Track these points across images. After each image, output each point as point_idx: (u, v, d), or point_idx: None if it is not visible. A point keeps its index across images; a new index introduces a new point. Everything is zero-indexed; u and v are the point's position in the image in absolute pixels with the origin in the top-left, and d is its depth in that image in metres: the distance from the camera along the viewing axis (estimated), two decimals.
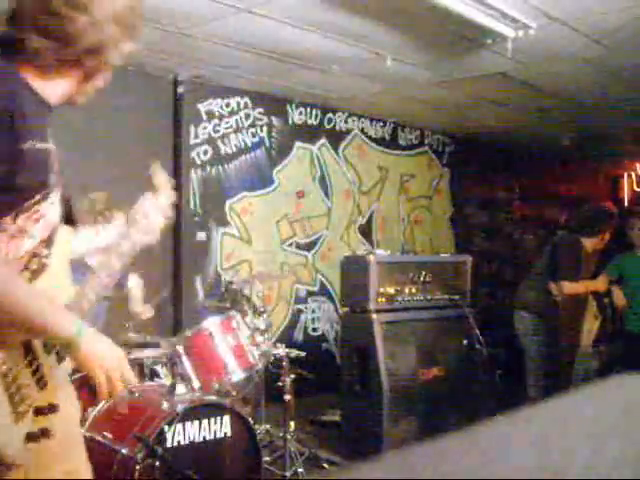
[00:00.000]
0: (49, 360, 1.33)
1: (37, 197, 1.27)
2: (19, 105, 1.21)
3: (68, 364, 1.39)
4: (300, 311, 5.83)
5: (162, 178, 1.58)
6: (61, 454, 1.37)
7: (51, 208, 1.33)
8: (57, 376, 1.36)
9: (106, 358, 1.29)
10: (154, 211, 1.53)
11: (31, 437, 1.25)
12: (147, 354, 3.22)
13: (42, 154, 1.27)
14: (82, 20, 1.24)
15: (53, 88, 1.33)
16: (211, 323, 3.20)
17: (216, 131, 5.24)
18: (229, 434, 2.92)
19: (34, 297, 1.22)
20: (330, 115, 6.10)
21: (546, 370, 4.15)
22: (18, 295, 1.18)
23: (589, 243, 4.05)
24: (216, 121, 5.23)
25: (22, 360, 1.26)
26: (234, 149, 5.36)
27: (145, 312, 3.62)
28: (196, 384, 3.08)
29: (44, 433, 1.28)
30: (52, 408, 1.31)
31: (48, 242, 1.35)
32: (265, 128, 5.59)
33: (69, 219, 1.56)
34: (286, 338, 5.41)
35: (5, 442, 1.20)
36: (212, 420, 2.87)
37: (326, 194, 6.05)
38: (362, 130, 6.40)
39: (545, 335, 4.15)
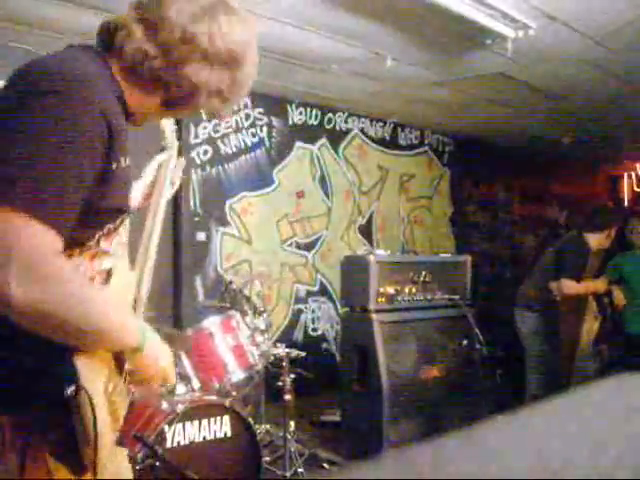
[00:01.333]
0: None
1: (119, 217, 1.20)
2: (116, 123, 1.09)
3: None
4: (300, 311, 5.83)
5: (171, 132, 1.65)
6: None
7: (124, 225, 1.28)
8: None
9: (160, 359, 1.26)
10: (172, 169, 1.64)
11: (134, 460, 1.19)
12: None
13: (128, 173, 1.18)
14: (203, 63, 1.18)
15: (135, 105, 1.23)
16: (211, 323, 3.20)
17: (216, 131, 5.24)
18: (229, 434, 2.92)
19: (109, 313, 1.10)
20: (330, 115, 6.10)
21: (547, 369, 4.15)
22: (94, 313, 1.06)
23: (595, 241, 4.06)
24: (216, 121, 5.23)
25: (119, 375, 1.21)
26: (234, 149, 5.36)
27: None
28: (196, 384, 3.08)
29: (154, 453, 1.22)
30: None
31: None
32: (265, 128, 5.59)
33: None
34: (286, 338, 5.41)
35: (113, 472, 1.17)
36: (212, 420, 2.87)
37: (326, 194, 6.05)
38: (362, 130, 6.40)
39: (546, 334, 4.16)
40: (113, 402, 1.17)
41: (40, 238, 0.96)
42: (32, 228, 0.95)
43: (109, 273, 1.25)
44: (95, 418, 1.06)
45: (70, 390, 1.04)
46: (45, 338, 1.00)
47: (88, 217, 1.09)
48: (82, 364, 1.07)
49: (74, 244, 1.11)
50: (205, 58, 1.16)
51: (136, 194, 1.60)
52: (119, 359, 1.22)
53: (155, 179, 1.63)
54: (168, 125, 1.66)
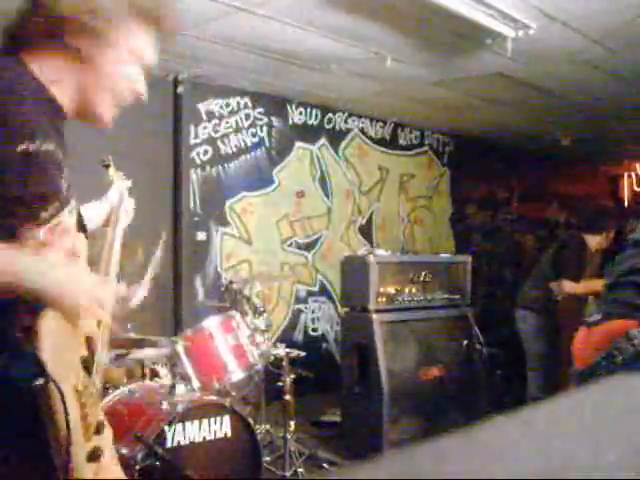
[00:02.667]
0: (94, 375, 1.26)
1: (52, 207, 1.15)
2: (16, 104, 1.08)
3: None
4: (300, 311, 5.83)
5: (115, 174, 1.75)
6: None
7: (70, 218, 1.24)
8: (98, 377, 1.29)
9: (82, 299, 1.18)
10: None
11: (90, 457, 1.17)
12: (147, 354, 3.22)
13: (48, 158, 1.13)
14: None
15: (60, 88, 1.20)
16: (211, 323, 3.20)
17: (216, 131, 5.24)
18: (229, 434, 2.92)
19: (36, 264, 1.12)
20: (330, 115, 6.10)
21: (547, 369, 4.15)
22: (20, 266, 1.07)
23: (594, 242, 4.06)
24: (216, 121, 5.23)
25: (86, 375, 1.19)
26: (234, 149, 5.36)
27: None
28: (196, 384, 3.08)
29: (97, 452, 1.19)
30: (102, 425, 1.25)
31: (74, 253, 1.27)
32: (265, 128, 5.59)
33: (81, 227, 1.44)
34: (286, 338, 5.40)
35: (80, 466, 1.13)
36: (212, 420, 2.87)
37: (326, 194, 6.05)
38: (362, 130, 6.40)
39: (547, 334, 4.16)
40: (84, 404, 1.15)
41: None
42: None
43: None
44: (66, 407, 1.05)
45: (38, 382, 1.03)
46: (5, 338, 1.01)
47: (9, 206, 1.08)
48: (49, 361, 1.05)
49: (6, 234, 1.09)
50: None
51: (96, 215, 1.64)
52: (87, 361, 1.20)
53: (115, 206, 1.67)
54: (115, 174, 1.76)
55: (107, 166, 1.76)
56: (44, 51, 1.17)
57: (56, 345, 1.08)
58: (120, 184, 1.74)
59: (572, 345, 1.92)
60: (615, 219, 4.15)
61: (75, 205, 1.28)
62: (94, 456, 1.16)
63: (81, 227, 1.37)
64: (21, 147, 1.06)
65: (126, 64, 1.26)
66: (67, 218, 1.21)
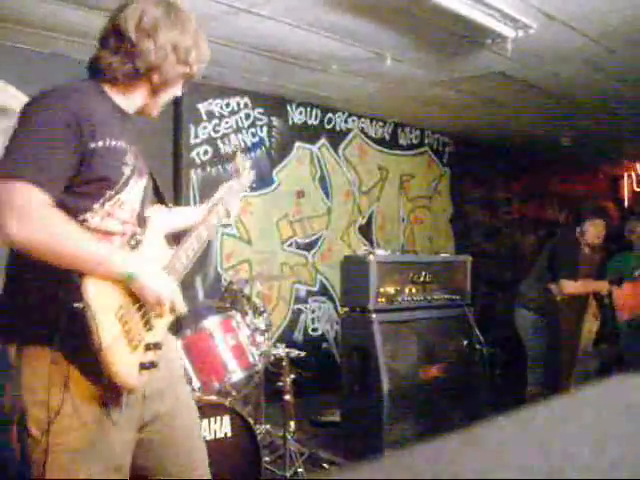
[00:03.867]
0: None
1: (116, 187, 1.55)
2: (91, 111, 1.51)
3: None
4: (300, 311, 5.83)
5: (242, 162, 2.14)
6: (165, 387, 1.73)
7: (132, 195, 1.62)
8: (161, 325, 1.67)
9: (161, 292, 1.56)
10: (234, 195, 2.09)
11: (143, 367, 1.54)
12: None
13: (114, 151, 1.55)
14: (146, 44, 1.60)
15: (130, 101, 1.68)
16: (211, 323, 3.20)
17: (216, 131, 5.24)
18: (229, 434, 2.92)
19: (93, 243, 1.48)
20: (330, 115, 6.10)
21: (547, 369, 4.15)
22: (76, 243, 1.43)
23: (594, 230, 4.07)
24: (216, 121, 5.23)
25: (133, 306, 1.56)
26: (234, 149, 5.36)
27: None
28: (196, 384, 3.07)
29: (153, 365, 1.57)
30: (157, 345, 1.61)
31: (140, 222, 1.68)
32: (265, 128, 5.59)
33: (159, 197, 1.91)
34: (286, 338, 5.40)
35: (127, 371, 1.48)
36: (212, 420, 2.87)
37: (326, 194, 6.05)
38: (362, 130, 6.40)
39: (546, 334, 4.16)
40: (126, 322, 1.51)
41: (26, 194, 1.38)
42: (20, 188, 1.37)
43: (136, 240, 1.64)
44: (97, 328, 1.40)
45: (77, 305, 1.40)
46: (53, 272, 1.41)
47: (83, 186, 1.50)
48: (91, 288, 1.43)
49: (81, 208, 1.51)
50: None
51: (195, 214, 2.03)
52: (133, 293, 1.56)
53: (215, 204, 2.04)
54: (242, 161, 2.19)
55: (234, 153, 2.25)
56: (120, 84, 1.65)
57: (98, 283, 1.46)
58: (245, 168, 2.16)
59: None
60: (594, 209, 4.17)
61: (139, 183, 1.67)
62: (145, 367, 1.54)
63: (159, 198, 1.86)
64: (97, 144, 1.49)
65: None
66: (128, 195, 1.60)
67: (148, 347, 1.58)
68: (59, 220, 1.42)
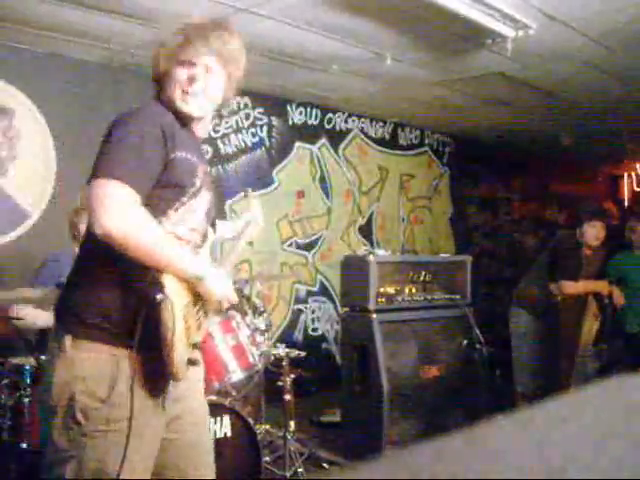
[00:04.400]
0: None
1: (189, 193, 1.70)
2: (171, 127, 1.68)
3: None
4: (300, 311, 5.83)
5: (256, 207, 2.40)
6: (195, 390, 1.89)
7: (201, 205, 1.77)
8: (205, 326, 1.84)
9: (221, 293, 1.71)
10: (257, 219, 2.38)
11: (190, 362, 1.68)
12: None
13: (189, 162, 1.70)
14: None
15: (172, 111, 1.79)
16: (211, 323, 3.20)
17: (216, 131, 5.24)
18: (229, 434, 2.92)
19: (172, 243, 1.63)
20: (330, 115, 6.10)
21: (535, 371, 4.16)
22: (160, 240, 1.57)
23: (593, 231, 4.07)
24: (216, 121, 5.23)
25: (193, 306, 1.71)
26: (234, 149, 5.36)
27: None
28: None
29: (195, 362, 1.71)
30: (197, 345, 1.76)
31: (203, 234, 1.83)
32: (265, 128, 5.59)
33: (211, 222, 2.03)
34: (286, 338, 5.41)
35: (183, 366, 1.63)
36: (212, 420, 2.87)
37: (326, 194, 6.05)
38: (362, 130, 6.40)
39: (539, 335, 4.16)
40: (187, 321, 1.65)
41: (121, 191, 1.50)
42: (116, 186, 1.50)
43: (197, 250, 1.79)
44: (175, 321, 1.55)
45: (159, 296, 1.53)
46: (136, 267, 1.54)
47: (161, 190, 1.64)
48: (170, 284, 1.57)
49: (158, 212, 1.64)
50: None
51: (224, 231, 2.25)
52: (196, 294, 1.70)
53: (246, 223, 2.30)
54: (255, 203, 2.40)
55: (246, 195, 2.47)
56: (162, 97, 1.81)
57: (171, 281, 1.60)
58: (256, 208, 2.39)
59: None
60: (592, 210, 4.18)
61: (206, 196, 1.80)
62: (192, 362, 1.69)
63: (211, 222, 1.97)
64: (176, 154, 1.65)
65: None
66: (198, 205, 1.75)
67: (195, 345, 1.73)
68: (148, 218, 1.56)
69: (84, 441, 1.56)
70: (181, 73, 1.76)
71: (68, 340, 1.59)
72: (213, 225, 2.02)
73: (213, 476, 1.90)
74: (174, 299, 1.58)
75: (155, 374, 1.62)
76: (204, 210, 1.81)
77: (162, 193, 1.65)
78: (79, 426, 1.56)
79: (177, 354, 1.58)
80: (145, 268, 1.56)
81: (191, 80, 1.75)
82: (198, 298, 1.72)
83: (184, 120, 1.79)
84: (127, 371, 1.58)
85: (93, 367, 1.57)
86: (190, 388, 1.84)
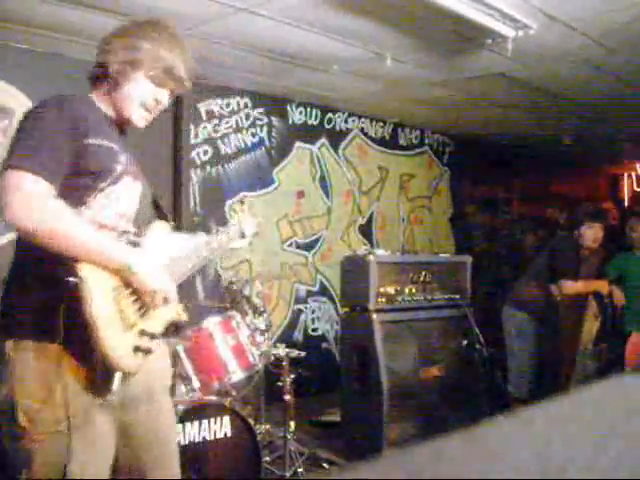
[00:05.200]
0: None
1: (108, 179, 1.65)
2: (84, 115, 1.66)
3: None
4: (300, 311, 5.83)
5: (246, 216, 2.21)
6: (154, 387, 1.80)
7: (126, 193, 1.71)
8: (158, 317, 1.73)
9: (153, 285, 1.64)
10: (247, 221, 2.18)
11: (137, 349, 1.59)
12: None
13: (105, 148, 1.66)
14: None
15: (112, 112, 1.82)
16: (211, 323, 3.20)
17: (216, 131, 5.23)
18: (229, 434, 2.92)
19: (90, 232, 1.57)
20: (330, 115, 6.10)
21: (528, 371, 4.16)
22: (75, 229, 1.53)
23: (591, 234, 4.07)
24: (216, 121, 5.23)
25: (126, 290, 1.63)
26: (234, 149, 5.36)
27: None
28: (196, 384, 3.08)
29: (148, 350, 1.62)
30: (152, 336, 1.66)
31: (137, 225, 1.75)
32: (265, 128, 5.59)
33: (161, 215, 1.96)
34: (286, 338, 5.41)
35: (121, 351, 1.54)
36: (212, 420, 2.87)
37: (326, 194, 6.05)
38: (362, 130, 6.40)
39: (534, 336, 4.16)
40: (119, 303, 1.58)
41: (30, 182, 1.49)
42: (26, 177, 1.49)
43: (129, 240, 1.71)
44: (92, 301, 1.48)
45: (72, 279, 1.48)
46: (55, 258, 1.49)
47: (78, 178, 1.61)
48: (86, 267, 1.52)
49: (76, 200, 1.59)
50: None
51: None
52: (128, 281, 1.63)
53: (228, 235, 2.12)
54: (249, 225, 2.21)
55: (242, 203, 2.37)
56: (101, 88, 1.82)
57: (92, 268, 1.54)
58: (248, 221, 2.21)
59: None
60: (590, 212, 4.18)
61: (134, 186, 1.76)
62: (140, 349, 1.60)
63: (161, 216, 1.93)
64: (87, 141, 1.62)
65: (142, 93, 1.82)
66: (122, 191, 1.69)
67: (143, 332, 1.63)
68: (62, 208, 1.52)
69: (32, 447, 1.53)
70: (149, 92, 1.79)
71: (9, 343, 1.56)
72: (164, 218, 1.95)
73: None
74: (94, 282, 1.51)
75: (92, 367, 1.54)
76: (132, 197, 1.75)
77: (79, 181, 1.61)
78: (24, 431, 1.53)
79: (106, 338, 1.49)
80: (66, 259, 1.51)
81: (158, 103, 1.81)
82: (130, 284, 1.64)
83: (120, 123, 1.82)
84: (63, 368, 1.52)
85: (31, 368, 1.53)
86: (150, 393, 1.77)
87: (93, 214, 1.62)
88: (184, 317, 1.85)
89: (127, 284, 1.63)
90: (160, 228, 1.87)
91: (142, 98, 1.79)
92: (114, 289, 1.59)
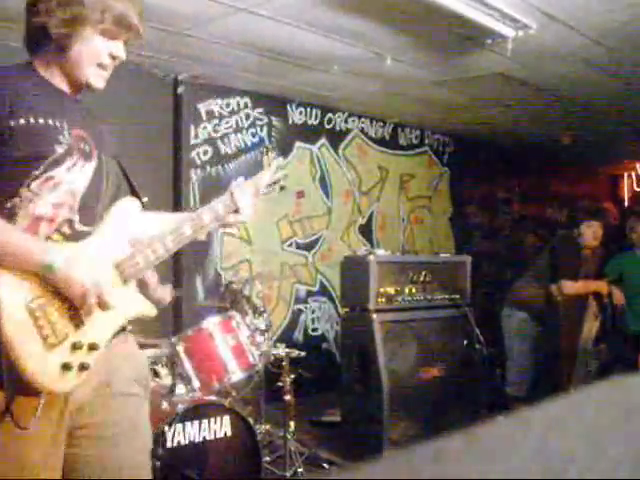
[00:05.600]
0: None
1: (44, 164, 1.44)
2: (12, 90, 1.46)
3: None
4: (300, 311, 5.83)
5: (270, 158, 2.01)
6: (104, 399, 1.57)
7: (70, 176, 1.49)
8: (98, 324, 1.49)
9: (84, 283, 1.41)
10: (246, 192, 1.82)
11: (66, 366, 1.39)
12: (147, 354, 3.22)
13: (41, 127, 1.46)
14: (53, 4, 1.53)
15: (61, 78, 1.59)
16: (211, 323, 3.20)
17: (216, 131, 5.23)
18: (229, 434, 2.92)
19: (6, 230, 1.38)
20: (330, 115, 6.10)
21: (527, 370, 4.16)
22: None
23: (590, 232, 4.07)
24: (216, 121, 5.23)
25: (53, 299, 1.42)
26: (234, 149, 5.36)
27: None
28: (196, 384, 3.08)
29: (83, 366, 1.42)
30: (92, 346, 1.46)
31: (86, 212, 1.53)
32: (265, 128, 5.59)
33: (133, 192, 1.73)
34: (286, 338, 5.40)
35: (41, 369, 1.35)
36: (212, 420, 2.87)
37: (326, 194, 6.05)
38: (362, 130, 6.40)
39: (533, 337, 4.16)
40: (38, 317, 1.38)
41: None
42: None
43: (74, 229, 1.50)
44: (5, 315, 1.31)
45: None
46: None
47: (8, 167, 1.42)
48: (1, 280, 1.34)
49: (8, 192, 1.42)
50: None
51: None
52: (55, 288, 1.42)
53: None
54: (270, 157, 2.04)
55: (267, 150, 2.09)
56: (42, 54, 1.61)
57: (5, 275, 1.36)
58: (270, 164, 1.99)
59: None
60: (610, 212, 4.19)
61: (84, 167, 1.54)
62: (68, 366, 1.39)
63: (133, 193, 1.70)
64: (13, 122, 1.42)
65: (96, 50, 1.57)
66: (65, 175, 1.48)
67: (75, 346, 1.42)
68: None
69: None
70: (102, 48, 1.55)
71: None
72: (136, 195, 1.71)
73: None
74: (8, 295, 1.33)
75: (12, 391, 1.35)
76: (82, 184, 1.53)
77: (10, 170, 1.42)
78: None
79: (24, 358, 1.32)
80: None
81: (114, 57, 1.58)
82: (57, 292, 1.43)
83: (74, 89, 1.60)
84: None
85: None
86: (100, 397, 1.55)
87: (27, 205, 1.42)
88: (153, 312, 1.62)
89: (56, 291, 1.41)
90: (125, 208, 1.63)
91: (96, 57, 1.55)
92: (33, 300, 1.38)
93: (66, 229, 1.48)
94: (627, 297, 4.29)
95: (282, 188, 2.02)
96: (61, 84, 1.59)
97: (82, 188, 1.52)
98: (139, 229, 1.65)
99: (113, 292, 1.47)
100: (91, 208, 1.55)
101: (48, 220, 1.45)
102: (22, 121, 1.42)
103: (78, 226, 1.51)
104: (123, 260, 1.56)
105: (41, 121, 1.45)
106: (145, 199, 1.72)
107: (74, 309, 1.44)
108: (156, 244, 1.61)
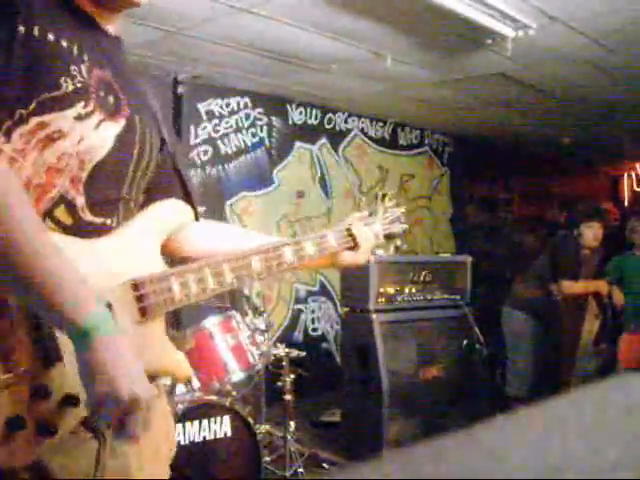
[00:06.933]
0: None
1: (43, 97, 0.93)
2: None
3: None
4: (300, 311, 5.83)
5: (386, 207, 1.63)
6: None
7: (81, 129, 0.96)
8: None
9: (121, 387, 0.80)
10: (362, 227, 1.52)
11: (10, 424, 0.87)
12: None
13: (55, 48, 0.96)
14: None
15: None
16: (211, 323, 3.20)
17: (216, 131, 5.24)
18: (229, 434, 2.92)
19: (44, 246, 0.82)
20: (330, 115, 6.10)
21: (528, 370, 4.16)
22: (26, 228, 0.80)
23: (590, 233, 4.07)
24: (216, 121, 5.23)
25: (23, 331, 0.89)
26: (234, 149, 5.36)
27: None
28: (196, 384, 3.08)
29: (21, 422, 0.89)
30: (69, 399, 0.90)
31: (93, 188, 0.99)
32: (265, 128, 5.59)
33: (186, 196, 1.24)
34: (286, 338, 5.40)
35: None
36: (212, 420, 2.87)
37: (326, 194, 6.05)
38: (362, 130, 6.40)
39: (534, 337, 4.16)
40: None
41: None
42: None
43: (74, 227, 0.97)
44: None
45: None
46: None
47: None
48: None
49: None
50: None
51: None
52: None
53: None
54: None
55: (384, 196, 1.70)
56: None
57: None
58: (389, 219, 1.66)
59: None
60: (589, 212, 4.18)
61: (104, 125, 1.00)
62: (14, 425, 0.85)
63: (185, 192, 1.22)
64: (27, 27, 0.93)
65: None
66: (67, 125, 0.95)
67: (37, 392, 0.90)
68: (6, 175, 0.85)
69: None
70: None
71: None
72: (189, 202, 1.25)
73: None
74: None
75: None
76: (101, 151, 1.00)
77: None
78: None
79: None
80: None
81: None
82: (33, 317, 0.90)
83: (107, 13, 1.13)
84: None
85: None
86: None
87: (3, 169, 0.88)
88: (187, 375, 1.15)
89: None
90: (173, 210, 1.15)
91: None
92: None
93: (63, 214, 0.95)
94: (627, 298, 4.29)
95: (397, 249, 1.70)
96: (88, 6, 1.09)
97: (96, 154, 0.99)
98: (190, 246, 1.22)
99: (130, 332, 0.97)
100: (107, 189, 1.02)
101: (34, 192, 0.92)
102: (21, 28, 0.92)
103: (83, 214, 0.98)
104: (146, 280, 1.05)
105: (51, 37, 0.95)
106: (202, 209, 1.31)
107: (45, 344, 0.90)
108: (223, 265, 1.13)
